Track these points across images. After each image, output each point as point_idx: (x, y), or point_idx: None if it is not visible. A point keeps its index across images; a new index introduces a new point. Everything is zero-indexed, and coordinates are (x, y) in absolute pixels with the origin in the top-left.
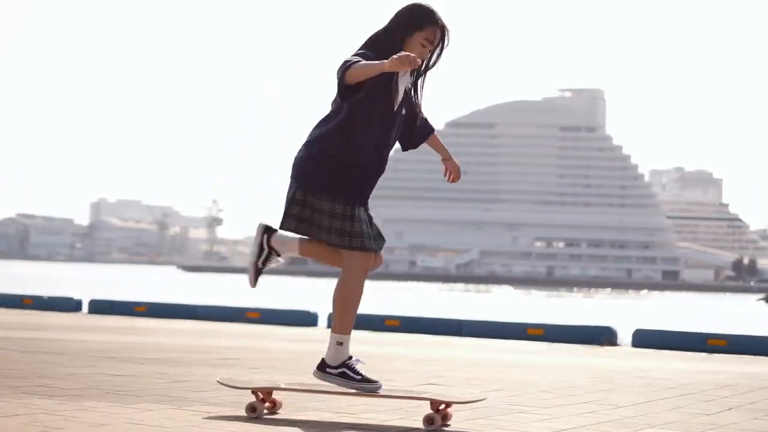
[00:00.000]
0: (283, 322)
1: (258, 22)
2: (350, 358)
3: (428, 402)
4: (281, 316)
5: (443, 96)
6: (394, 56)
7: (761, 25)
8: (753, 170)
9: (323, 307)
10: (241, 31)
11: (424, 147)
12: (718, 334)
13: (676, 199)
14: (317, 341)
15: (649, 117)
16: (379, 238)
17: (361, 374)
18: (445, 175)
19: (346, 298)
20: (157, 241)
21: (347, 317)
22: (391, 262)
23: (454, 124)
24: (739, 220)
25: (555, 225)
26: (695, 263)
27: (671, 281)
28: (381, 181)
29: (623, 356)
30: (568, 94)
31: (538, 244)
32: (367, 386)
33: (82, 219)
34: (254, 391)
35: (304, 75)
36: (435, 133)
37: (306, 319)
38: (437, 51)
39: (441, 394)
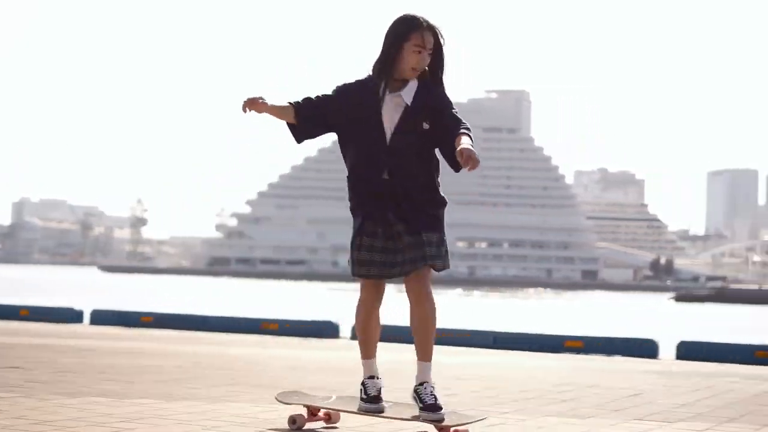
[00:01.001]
0: (302, 333)
1: (223, 25)
2: (370, 377)
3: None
4: (300, 328)
5: None
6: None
7: (679, 29)
8: (674, 171)
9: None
10: (181, 33)
11: (337, 148)
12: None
13: (598, 199)
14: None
15: (574, 119)
16: (390, 264)
17: (368, 394)
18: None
19: (356, 327)
20: (80, 242)
21: (360, 344)
22: (314, 263)
23: None
24: (658, 220)
25: (477, 225)
26: (614, 263)
27: (590, 281)
28: (303, 181)
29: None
30: (494, 96)
31: (460, 244)
32: (364, 406)
33: (4, 219)
34: (306, 407)
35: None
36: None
37: (327, 330)
38: (437, 52)
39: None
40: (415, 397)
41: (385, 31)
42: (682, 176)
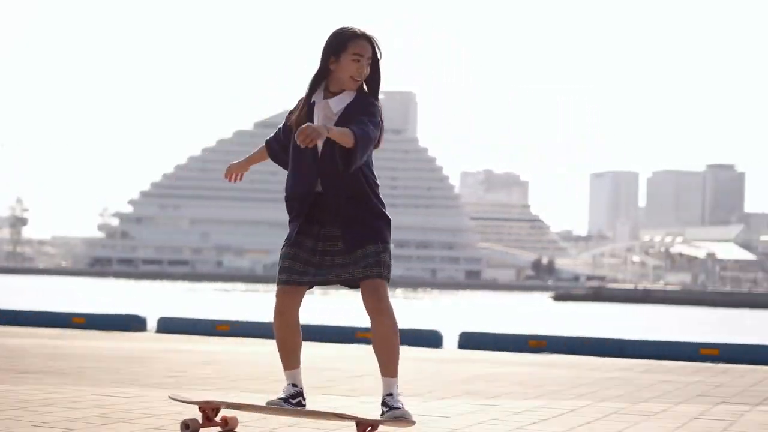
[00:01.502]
0: (109, 326)
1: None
2: (292, 385)
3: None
4: (107, 321)
5: (252, 96)
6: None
7: (576, 30)
8: (558, 173)
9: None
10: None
11: (231, 147)
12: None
13: (481, 200)
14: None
15: (461, 120)
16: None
17: (281, 396)
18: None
19: (275, 338)
20: None
21: (280, 355)
22: (197, 263)
23: (262, 124)
24: (541, 221)
25: None
26: (497, 263)
27: (474, 281)
28: (186, 181)
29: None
30: (381, 96)
31: None
32: (276, 400)
33: None
34: (201, 408)
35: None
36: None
37: (133, 323)
38: (374, 65)
39: (368, 415)
40: (383, 408)
41: (322, 47)
42: (566, 178)
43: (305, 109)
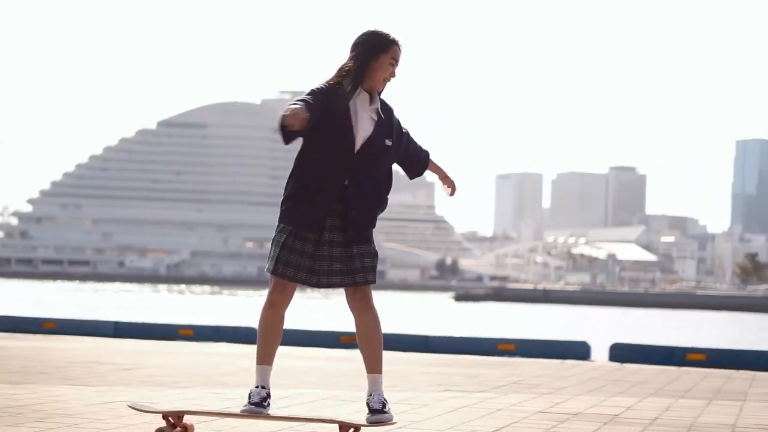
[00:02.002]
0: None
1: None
2: (258, 386)
3: (336, 426)
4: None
5: (155, 95)
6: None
7: (472, 32)
8: (464, 174)
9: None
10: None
11: (133, 146)
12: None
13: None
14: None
15: None
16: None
17: (254, 401)
18: (444, 191)
19: (259, 329)
20: None
21: (259, 347)
22: (99, 263)
23: (165, 124)
24: (445, 221)
25: (266, 226)
26: (401, 263)
27: (378, 281)
28: (87, 180)
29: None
30: (287, 96)
31: (249, 244)
32: (245, 408)
33: None
34: (165, 416)
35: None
36: (429, 157)
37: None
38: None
39: (351, 418)
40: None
41: (355, 42)
42: (472, 179)
43: (348, 100)
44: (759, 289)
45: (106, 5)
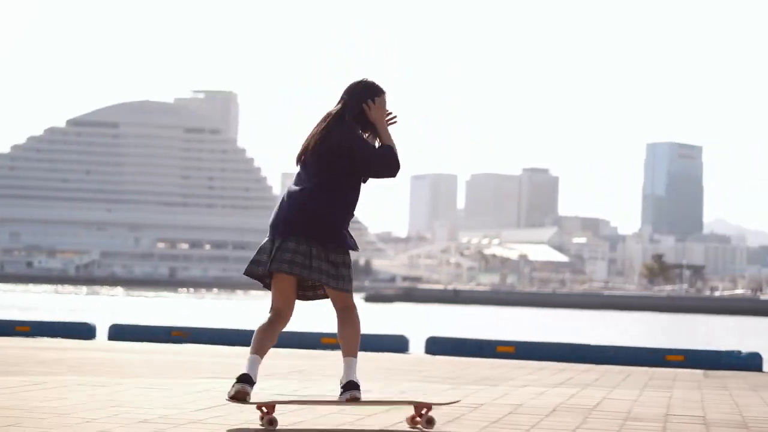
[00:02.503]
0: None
1: None
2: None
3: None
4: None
5: (65, 93)
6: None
7: (389, 37)
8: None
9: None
10: None
11: (42, 145)
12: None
13: None
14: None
15: (281, 120)
16: (278, 261)
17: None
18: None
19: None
20: None
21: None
22: (7, 264)
23: (75, 122)
24: (359, 222)
25: (178, 226)
26: None
27: None
28: None
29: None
30: (201, 96)
31: (161, 245)
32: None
33: None
34: (258, 407)
35: None
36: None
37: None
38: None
39: (424, 397)
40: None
41: (351, 88)
42: (387, 180)
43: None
44: (665, 290)
45: (13, 2)
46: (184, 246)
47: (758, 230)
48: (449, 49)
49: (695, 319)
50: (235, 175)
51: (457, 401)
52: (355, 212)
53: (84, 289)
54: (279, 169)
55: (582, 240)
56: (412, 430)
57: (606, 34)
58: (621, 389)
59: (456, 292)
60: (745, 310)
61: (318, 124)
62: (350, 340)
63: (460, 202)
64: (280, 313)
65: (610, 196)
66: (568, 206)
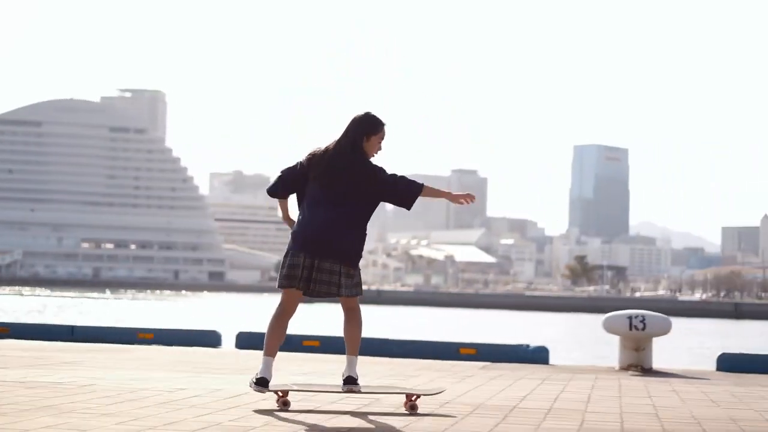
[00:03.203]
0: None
1: None
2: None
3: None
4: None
5: None
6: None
7: (325, 37)
8: None
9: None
10: None
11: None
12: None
13: (228, 202)
14: None
15: (211, 121)
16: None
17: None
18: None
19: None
20: None
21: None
22: None
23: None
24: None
25: (103, 226)
26: (241, 264)
27: (217, 282)
28: None
29: None
30: (128, 95)
31: (85, 245)
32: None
33: None
34: (276, 392)
35: None
36: (424, 187)
37: None
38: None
39: (414, 387)
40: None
41: (355, 121)
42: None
43: None
44: (587, 290)
45: None
46: (109, 246)
47: (685, 232)
48: (449, 49)
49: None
50: (161, 174)
51: (443, 390)
52: None
53: (6, 289)
54: (208, 169)
55: (509, 241)
56: (401, 413)
57: (532, 37)
58: (393, 378)
59: (379, 292)
60: (663, 310)
61: (333, 151)
62: (352, 340)
63: (389, 204)
64: (290, 312)
65: (538, 197)
66: (496, 207)
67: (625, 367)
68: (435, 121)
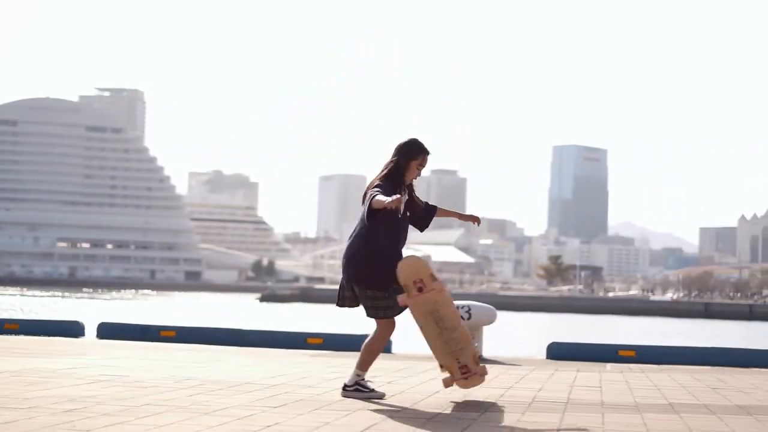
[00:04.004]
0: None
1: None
2: (363, 379)
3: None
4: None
5: None
6: (390, 199)
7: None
8: (288, 176)
9: None
10: None
11: None
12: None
13: (206, 201)
14: None
15: (191, 120)
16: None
17: (369, 388)
18: (473, 222)
19: (371, 350)
20: None
21: (370, 362)
22: None
23: None
24: (264, 223)
25: (79, 226)
26: (218, 264)
27: (193, 282)
28: None
29: None
30: (106, 94)
31: (61, 244)
32: (373, 394)
33: None
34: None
35: None
36: (438, 208)
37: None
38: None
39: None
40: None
41: (398, 146)
42: (296, 180)
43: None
44: (561, 290)
45: None
46: (86, 246)
47: (666, 233)
48: (449, 48)
49: (577, 319)
50: (137, 174)
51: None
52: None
53: None
54: (187, 168)
55: (489, 241)
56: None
57: (512, 37)
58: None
59: None
60: (635, 310)
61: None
62: (362, 351)
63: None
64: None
65: (517, 198)
66: (476, 208)
67: None
68: (412, 120)
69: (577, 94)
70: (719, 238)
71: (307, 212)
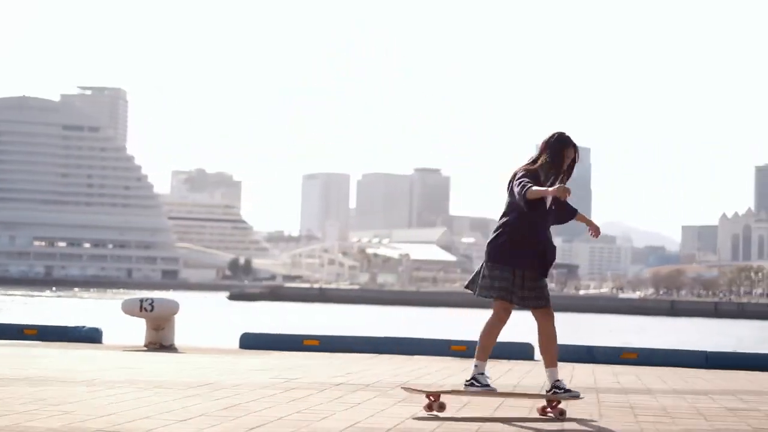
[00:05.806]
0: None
1: None
2: (482, 374)
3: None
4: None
5: None
6: (556, 188)
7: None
8: (271, 174)
9: None
10: None
11: None
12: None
13: (185, 200)
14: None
15: (171, 119)
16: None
17: (483, 383)
18: (590, 233)
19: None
20: None
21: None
22: None
23: None
24: (244, 221)
25: (56, 224)
26: (195, 263)
27: (171, 280)
28: None
29: None
30: (88, 93)
31: (38, 243)
32: (489, 389)
33: None
34: (428, 395)
35: None
36: (578, 212)
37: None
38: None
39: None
40: (555, 390)
41: (548, 140)
42: (279, 179)
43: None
44: None
45: None
46: (62, 245)
47: (653, 231)
48: (449, 49)
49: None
50: (114, 173)
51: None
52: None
53: None
54: (170, 167)
55: (471, 240)
56: (541, 417)
57: (495, 35)
58: None
59: (321, 290)
60: (603, 307)
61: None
62: (540, 346)
63: (353, 202)
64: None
65: (500, 196)
66: (459, 206)
67: (147, 345)
68: (397, 119)
69: (561, 92)
70: (701, 236)
71: (291, 211)
